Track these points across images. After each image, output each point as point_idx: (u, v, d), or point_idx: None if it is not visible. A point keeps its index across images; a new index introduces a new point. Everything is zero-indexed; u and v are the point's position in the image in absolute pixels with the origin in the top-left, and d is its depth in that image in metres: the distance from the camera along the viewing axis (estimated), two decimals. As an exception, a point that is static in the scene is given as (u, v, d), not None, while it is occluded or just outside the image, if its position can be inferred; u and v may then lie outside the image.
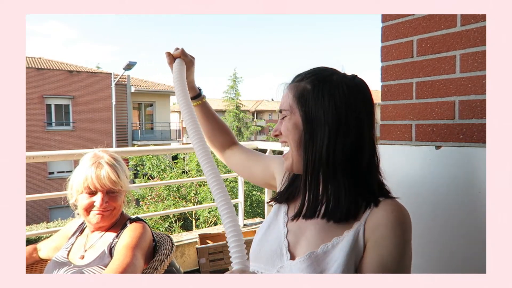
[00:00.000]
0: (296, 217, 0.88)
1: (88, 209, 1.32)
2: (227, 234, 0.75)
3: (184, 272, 2.77)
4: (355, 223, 0.82)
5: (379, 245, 0.79)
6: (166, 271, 1.32)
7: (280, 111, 0.91)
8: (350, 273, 0.79)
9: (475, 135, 1.14)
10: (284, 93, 0.91)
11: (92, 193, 1.31)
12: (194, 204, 11.17)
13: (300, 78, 0.89)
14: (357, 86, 0.85)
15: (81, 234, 1.43)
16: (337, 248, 0.80)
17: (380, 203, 0.82)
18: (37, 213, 14.76)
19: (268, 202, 1.06)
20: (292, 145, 0.88)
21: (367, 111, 0.85)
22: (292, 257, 0.86)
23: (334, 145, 0.82)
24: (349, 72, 0.89)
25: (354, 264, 0.80)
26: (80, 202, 1.32)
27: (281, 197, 0.98)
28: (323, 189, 0.85)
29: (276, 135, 0.92)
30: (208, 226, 10.65)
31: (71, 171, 1.40)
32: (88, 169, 1.30)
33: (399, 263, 0.79)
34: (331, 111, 0.82)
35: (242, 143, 4.27)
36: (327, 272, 0.79)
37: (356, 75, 0.88)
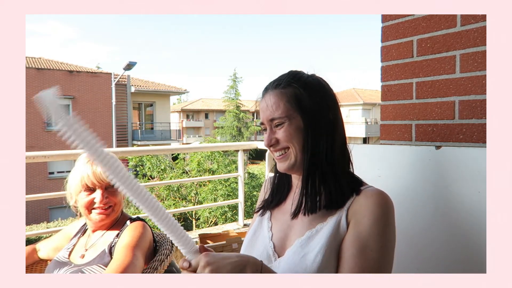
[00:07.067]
0: (296, 214, 0.91)
1: (89, 207, 1.31)
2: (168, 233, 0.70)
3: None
4: (338, 210, 0.87)
5: (359, 223, 0.84)
6: (166, 271, 1.32)
7: (271, 120, 0.90)
8: (332, 253, 0.83)
9: (475, 135, 1.14)
10: (269, 103, 0.90)
11: (91, 190, 1.31)
12: (194, 204, 11.17)
13: (284, 84, 0.90)
14: (325, 84, 0.93)
15: (83, 235, 1.42)
16: (320, 232, 0.86)
17: (361, 191, 0.88)
18: (37, 213, 14.74)
19: (256, 212, 1.06)
20: (297, 148, 0.89)
21: (337, 105, 0.94)
22: (280, 256, 0.90)
23: (333, 141, 0.89)
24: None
25: (337, 245, 0.84)
26: (80, 201, 1.32)
27: (268, 205, 1.02)
28: (321, 183, 0.89)
29: (271, 145, 0.92)
30: (208, 226, 10.64)
31: (71, 171, 1.39)
32: (83, 167, 1.30)
33: (378, 241, 0.81)
34: (325, 109, 0.89)
35: (242, 143, 4.22)
36: (310, 254, 0.83)
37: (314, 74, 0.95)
